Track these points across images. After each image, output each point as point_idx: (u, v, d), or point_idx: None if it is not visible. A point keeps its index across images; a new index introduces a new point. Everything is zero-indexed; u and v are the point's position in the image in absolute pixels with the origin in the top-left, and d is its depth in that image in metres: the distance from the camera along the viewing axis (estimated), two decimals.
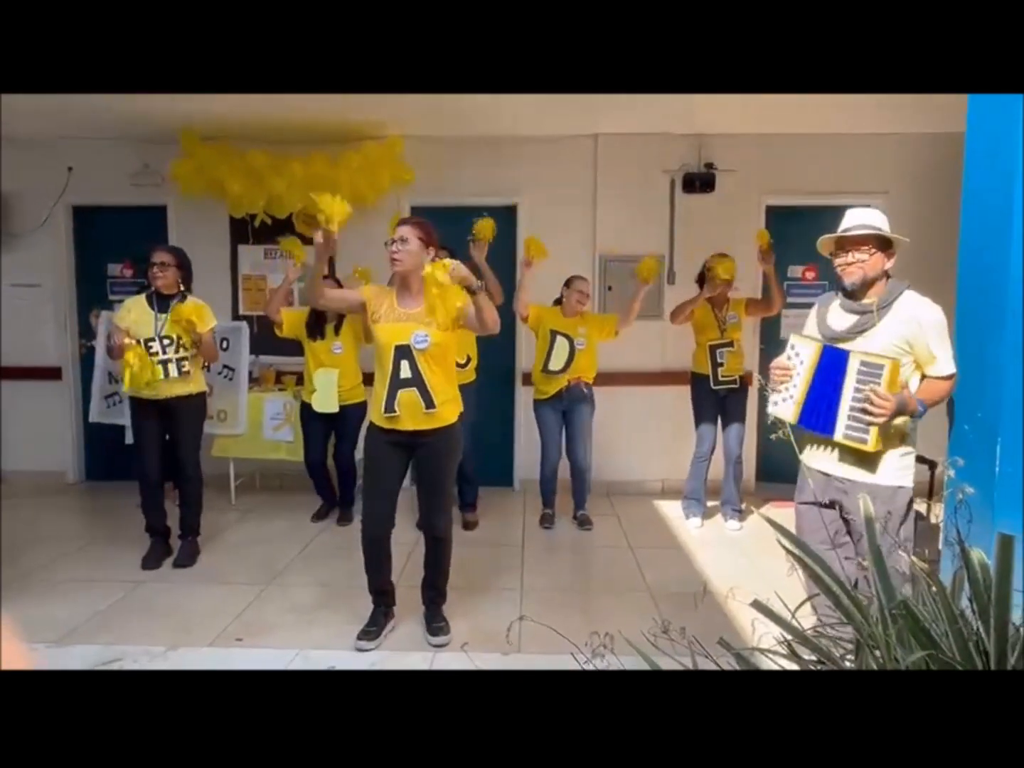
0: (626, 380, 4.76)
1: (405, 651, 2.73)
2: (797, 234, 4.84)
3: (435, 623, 2.82)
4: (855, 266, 2.25)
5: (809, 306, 5.24)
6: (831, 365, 2.23)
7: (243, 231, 4.94)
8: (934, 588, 1.10)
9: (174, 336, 3.46)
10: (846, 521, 2.33)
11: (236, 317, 4.96)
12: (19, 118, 4.23)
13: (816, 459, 2.35)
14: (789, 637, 1.19)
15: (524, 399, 4.91)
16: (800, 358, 2.30)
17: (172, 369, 3.44)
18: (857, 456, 2.23)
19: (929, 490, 3.27)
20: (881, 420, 2.10)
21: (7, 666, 0.51)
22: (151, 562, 3.58)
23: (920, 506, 3.08)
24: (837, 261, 2.31)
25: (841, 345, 2.26)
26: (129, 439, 4.07)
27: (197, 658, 2.65)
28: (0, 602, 0.51)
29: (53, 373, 5.11)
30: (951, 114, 2.41)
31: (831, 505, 2.32)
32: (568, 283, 4.14)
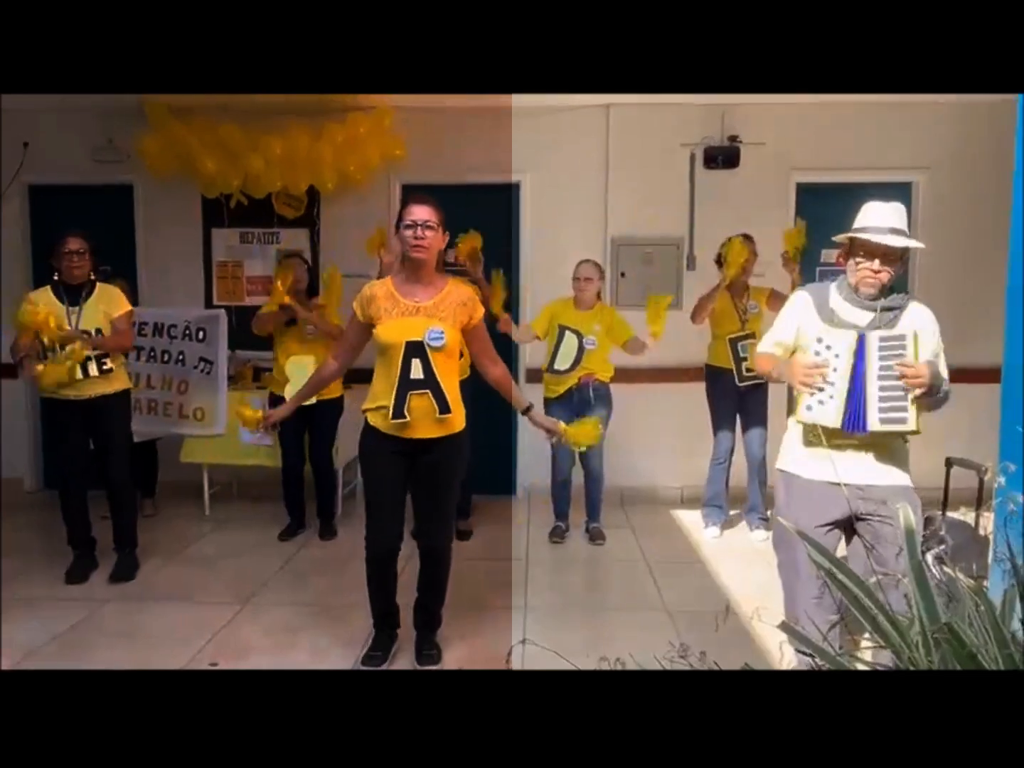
0: (641, 377, 4.74)
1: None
2: (830, 214, 4.81)
3: (425, 650, 2.79)
4: (880, 276, 2.25)
5: None
6: (862, 354, 2.21)
7: (217, 213, 4.95)
8: (982, 608, 1.09)
9: (92, 331, 3.45)
10: (852, 533, 2.35)
11: (209, 307, 4.96)
12: None
13: (822, 469, 2.27)
14: (821, 662, 1.19)
15: (528, 397, 4.89)
16: (834, 351, 2.22)
17: (92, 367, 3.43)
18: (877, 456, 2.27)
19: (978, 499, 3.27)
20: (920, 391, 2.11)
21: None
22: (76, 576, 3.58)
23: (968, 516, 3.08)
24: (859, 264, 2.27)
25: None
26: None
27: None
28: None
29: (8, 371, 5.11)
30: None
31: (839, 524, 2.34)
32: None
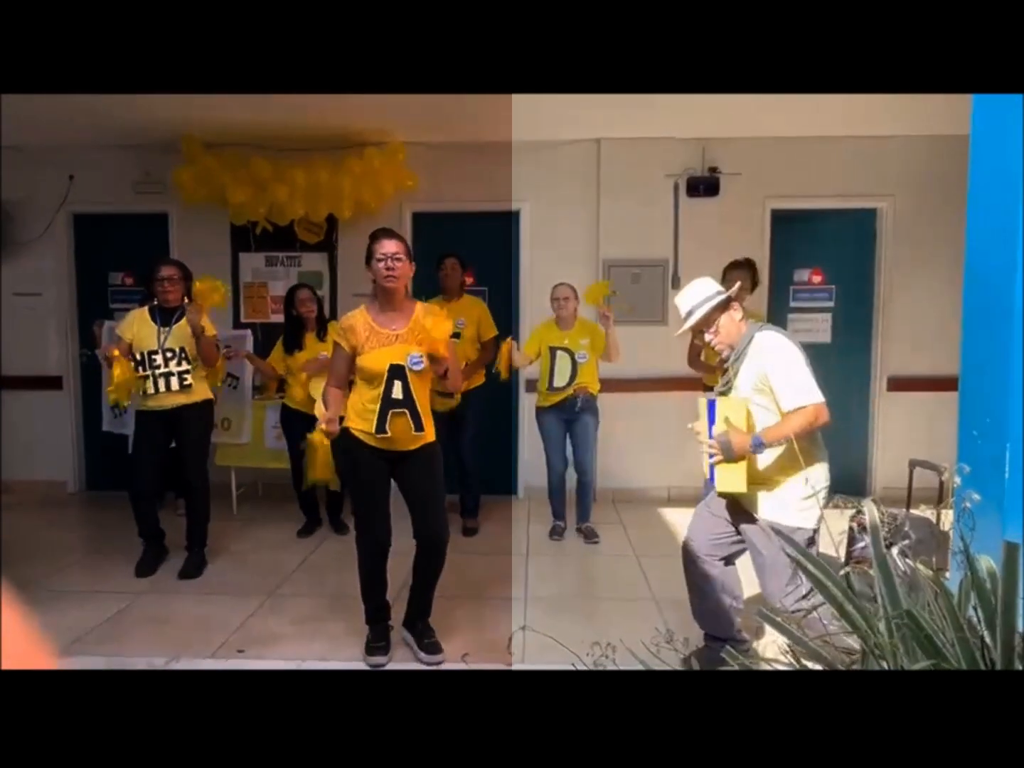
0: (631, 387, 4.76)
1: (409, 663, 2.72)
2: (803, 238, 4.86)
3: (427, 638, 2.75)
4: (714, 343, 2.39)
5: (814, 311, 5.23)
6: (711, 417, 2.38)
7: (244, 239, 4.97)
8: (940, 596, 1.10)
9: (176, 349, 3.50)
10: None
11: (237, 325, 4.98)
12: (20, 126, 4.27)
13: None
14: (794, 646, 1.19)
15: (526, 404, 4.91)
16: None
17: (174, 382, 3.47)
18: (759, 491, 2.35)
19: (938, 497, 3.26)
20: (716, 459, 2.26)
21: (15, 665, 0.51)
22: (145, 568, 3.58)
23: (929, 513, 3.08)
24: None
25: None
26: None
27: (198, 670, 2.66)
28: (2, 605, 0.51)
29: (54, 382, 5.13)
30: (956, 116, 2.41)
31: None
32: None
